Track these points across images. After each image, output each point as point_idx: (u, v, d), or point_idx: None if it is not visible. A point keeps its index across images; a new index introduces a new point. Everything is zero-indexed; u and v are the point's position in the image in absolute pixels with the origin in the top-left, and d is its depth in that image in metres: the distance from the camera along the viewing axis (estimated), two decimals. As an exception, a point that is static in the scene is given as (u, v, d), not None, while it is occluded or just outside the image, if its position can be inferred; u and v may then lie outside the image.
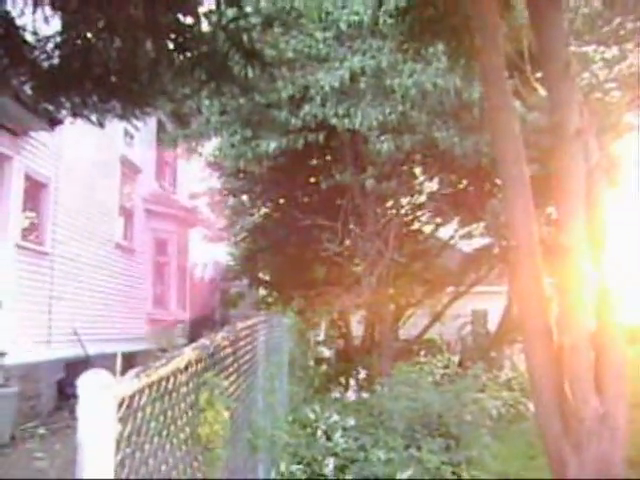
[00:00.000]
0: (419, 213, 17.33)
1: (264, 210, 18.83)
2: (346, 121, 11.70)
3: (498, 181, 10.35)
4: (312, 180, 16.46)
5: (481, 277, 17.50)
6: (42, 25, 6.23)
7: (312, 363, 13.49)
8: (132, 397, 2.13)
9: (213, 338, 3.70)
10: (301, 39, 11.97)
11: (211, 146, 16.30)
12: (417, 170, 16.11)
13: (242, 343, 4.96)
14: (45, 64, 6.59)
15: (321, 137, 12.35)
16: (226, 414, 3.44)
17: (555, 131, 4.61)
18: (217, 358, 3.68)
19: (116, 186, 15.61)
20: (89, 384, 1.82)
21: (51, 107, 8.08)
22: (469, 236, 17.01)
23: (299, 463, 7.47)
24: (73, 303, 12.61)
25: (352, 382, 13.22)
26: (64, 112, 7.74)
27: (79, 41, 6.49)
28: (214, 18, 6.80)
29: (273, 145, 12.34)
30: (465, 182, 15.39)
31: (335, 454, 7.95)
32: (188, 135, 14.83)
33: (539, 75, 5.41)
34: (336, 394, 12.66)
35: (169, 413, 2.71)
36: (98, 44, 6.39)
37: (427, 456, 7.85)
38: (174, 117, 16.83)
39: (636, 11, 10.71)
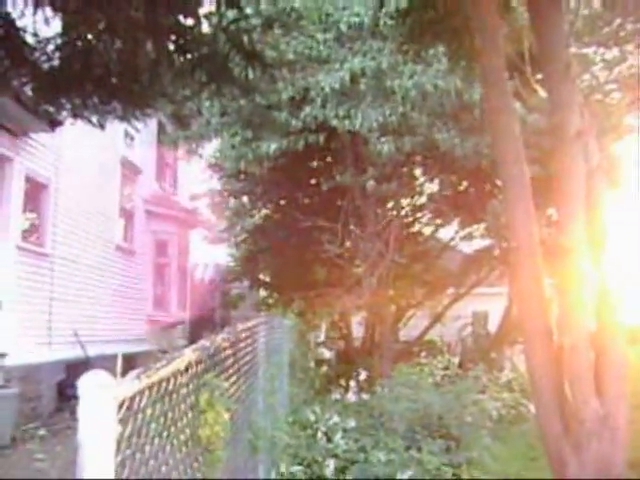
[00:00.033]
0: (419, 214, 17.30)
1: (265, 211, 18.81)
2: (346, 122, 11.70)
3: (498, 182, 10.34)
4: (312, 181, 16.45)
5: (481, 278, 17.49)
6: (43, 26, 6.23)
7: (312, 364, 13.48)
8: (132, 398, 2.13)
9: (213, 339, 3.70)
10: (301, 40, 11.98)
11: (212, 147, 16.33)
12: (417, 171, 16.11)
13: (242, 344, 4.97)
14: (46, 65, 6.60)
15: (321, 138, 12.35)
16: (226, 415, 3.44)
17: (555, 132, 4.62)
18: (217, 359, 3.68)
19: (116, 187, 15.62)
20: (90, 385, 1.83)
21: (51, 108, 8.09)
22: (470, 237, 17.00)
23: (299, 464, 7.46)
24: (73, 304, 12.62)
25: (352, 383, 13.21)
26: (64, 113, 7.75)
27: (80, 42, 6.49)
28: (214, 20, 6.80)
29: (273, 146, 12.34)
30: (465, 183, 15.39)
31: (335, 455, 7.95)
32: (188, 136, 14.84)
33: (539, 77, 5.42)
34: (336, 395, 12.65)
35: (169, 414, 2.71)
36: (99, 45, 6.40)
37: (427, 457, 7.84)
38: (174, 118, 16.83)
39: (636, 13, 10.71)
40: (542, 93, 5.52)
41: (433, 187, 16.36)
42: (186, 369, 2.92)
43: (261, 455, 5.84)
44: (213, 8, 6.58)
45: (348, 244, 15.79)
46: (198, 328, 19.11)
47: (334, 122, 11.81)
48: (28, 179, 11.25)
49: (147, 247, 17.64)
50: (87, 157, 13.40)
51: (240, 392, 4.63)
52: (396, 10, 9.49)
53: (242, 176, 16.42)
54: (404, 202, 16.17)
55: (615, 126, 11.35)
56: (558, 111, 4.60)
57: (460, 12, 5.77)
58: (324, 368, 14.86)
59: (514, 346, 15.78)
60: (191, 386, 3.06)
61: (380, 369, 13.91)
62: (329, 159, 15.74)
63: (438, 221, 17.17)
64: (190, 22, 6.50)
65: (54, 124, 10.38)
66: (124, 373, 2.11)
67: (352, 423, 9.35)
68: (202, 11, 6.49)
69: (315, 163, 16.24)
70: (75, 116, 7.47)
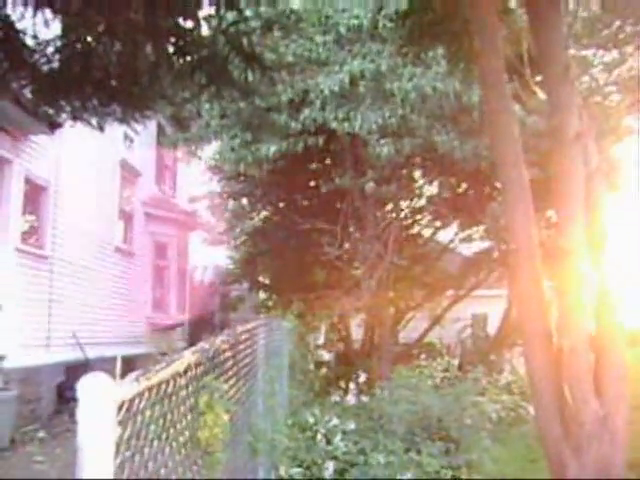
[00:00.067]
0: (419, 217, 17.30)
1: (264, 213, 18.82)
2: (346, 125, 11.71)
3: (498, 184, 10.36)
4: (312, 184, 16.46)
5: (481, 280, 17.48)
6: (42, 29, 6.24)
7: (312, 366, 13.47)
8: (132, 400, 2.13)
9: (213, 341, 3.70)
10: (301, 43, 11.99)
11: (211, 150, 16.33)
12: (417, 174, 16.11)
13: (242, 346, 4.96)
14: (45, 68, 6.60)
15: (321, 141, 12.36)
16: (226, 417, 3.44)
17: (554, 135, 4.62)
18: (217, 361, 3.68)
19: (116, 189, 15.62)
20: (89, 387, 1.82)
21: (51, 111, 8.09)
22: (469, 239, 17.00)
23: (299, 466, 7.46)
24: (73, 306, 12.61)
25: (352, 386, 13.22)
26: (64, 116, 7.76)
27: (79, 45, 6.50)
28: (214, 22, 6.82)
29: (273, 149, 12.34)
30: (465, 185, 15.40)
31: (335, 458, 7.94)
32: (188, 139, 14.85)
33: (539, 79, 5.43)
34: (336, 398, 12.66)
35: (169, 416, 2.71)
36: (98, 48, 6.41)
37: (427, 459, 7.85)
38: (174, 121, 16.85)
39: (635, 15, 10.73)
40: (541, 95, 5.53)
41: (432, 189, 16.36)
42: (185, 371, 2.92)
43: (261, 457, 5.84)
44: (212, 10, 6.59)
45: (347, 246, 15.79)
46: (197, 330, 19.11)
47: (333, 124, 11.82)
48: (28, 181, 11.25)
49: (146, 249, 17.64)
50: (86, 159, 13.41)
51: (240, 394, 4.63)
52: (395, 12, 9.49)
53: (241, 178, 16.43)
54: (403, 204, 16.17)
55: (614, 128, 11.36)
56: (557, 113, 4.60)
57: (459, 14, 5.78)
58: (323, 370, 14.85)
59: (513, 348, 15.80)
60: (190, 388, 3.06)
61: (379, 371, 13.91)
62: (328, 161, 15.75)
63: (437, 223, 17.18)
64: (189, 24, 6.50)
65: (53, 126, 10.38)
66: (123, 375, 2.11)
67: (351, 425, 9.34)
68: (201, 13, 6.49)
69: (314, 165, 16.23)
70: (75, 118, 7.47)
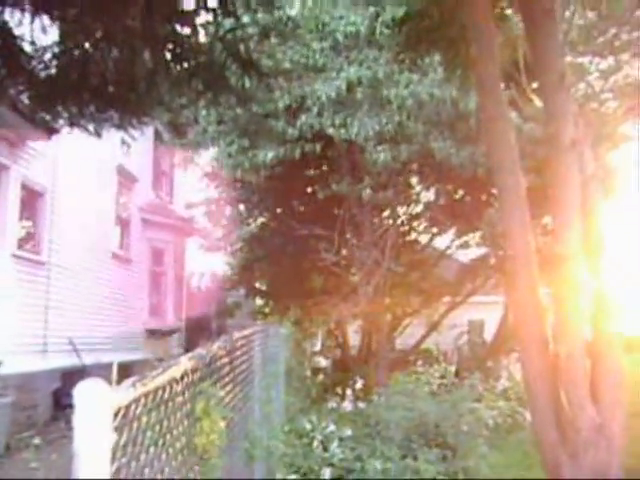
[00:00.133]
0: (416, 223, 17.33)
1: (261, 220, 18.82)
2: (343, 131, 11.74)
3: (494, 191, 10.37)
4: (309, 190, 16.47)
5: (478, 287, 17.50)
6: (40, 35, 6.25)
7: (309, 373, 13.46)
8: (128, 406, 2.13)
9: (209, 348, 3.70)
10: (298, 49, 12.01)
11: (208, 156, 16.33)
12: (414, 180, 16.14)
13: (238, 353, 4.96)
14: (43, 74, 6.61)
15: (318, 147, 12.39)
16: (222, 424, 3.43)
17: (550, 142, 4.64)
18: (213, 368, 3.68)
19: (113, 195, 15.62)
20: (85, 393, 1.82)
21: (48, 116, 8.09)
22: (466, 246, 17.02)
23: (295, 473, 7.45)
24: (69, 312, 12.60)
25: (349, 392, 13.18)
26: (61, 122, 7.76)
27: (77, 51, 6.51)
28: (211, 29, 6.83)
29: (270, 155, 12.36)
30: (461, 192, 15.43)
31: (331, 464, 7.93)
32: (185, 145, 14.85)
33: (535, 86, 5.45)
34: (333, 404, 12.62)
35: (165, 423, 2.71)
36: (96, 54, 6.41)
37: (424, 466, 7.83)
38: (171, 127, 16.83)
39: (631, 22, 10.77)
40: (538, 102, 5.55)
41: (429, 196, 16.40)
42: (182, 377, 2.92)
43: (257, 464, 5.83)
44: (210, 17, 6.60)
45: (344, 252, 15.80)
46: (194, 336, 19.08)
47: (330, 131, 11.85)
48: (24, 187, 11.24)
49: (143, 255, 17.62)
50: (83, 165, 13.41)
51: (236, 400, 4.63)
52: (392, 19, 9.55)
53: (239, 184, 16.44)
54: (400, 211, 16.20)
55: (610, 135, 11.39)
56: (553, 121, 4.62)
57: (456, 21, 5.80)
58: (320, 377, 14.83)
59: (510, 355, 15.77)
60: (187, 394, 3.05)
61: (376, 378, 13.90)
62: (325, 168, 15.77)
63: (434, 230, 17.20)
64: (187, 31, 6.52)
65: (51, 132, 10.38)
66: (120, 381, 2.11)
67: (348, 432, 9.33)
68: (199, 20, 6.51)
69: (311, 172, 16.25)
70: (72, 124, 7.48)
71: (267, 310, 19.93)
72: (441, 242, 17.92)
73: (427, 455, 8.21)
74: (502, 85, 5.00)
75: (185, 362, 2.98)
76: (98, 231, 14.53)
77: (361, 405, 12.29)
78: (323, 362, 16.63)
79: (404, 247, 16.66)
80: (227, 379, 4.21)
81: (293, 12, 11.94)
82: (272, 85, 11.14)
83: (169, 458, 2.78)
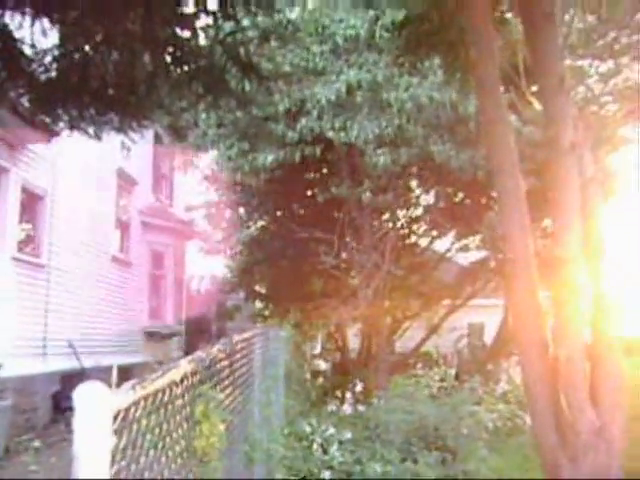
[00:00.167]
0: (415, 226, 17.33)
1: (261, 223, 18.81)
2: (342, 134, 11.74)
3: (494, 194, 10.38)
4: (309, 193, 16.47)
5: (477, 290, 17.49)
6: (40, 38, 6.25)
7: (308, 376, 13.46)
8: (128, 409, 2.13)
9: (209, 351, 3.70)
10: (298, 53, 12.03)
11: (208, 159, 16.35)
12: (413, 183, 16.14)
13: (238, 356, 4.96)
14: (43, 77, 6.61)
15: (318, 150, 12.39)
16: (222, 427, 3.43)
17: (550, 145, 4.64)
18: (213, 370, 3.68)
19: (112, 198, 15.61)
20: (85, 396, 1.82)
21: (48, 119, 8.09)
22: (465, 249, 17.02)
23: (295, 476, 7.44)
24: (69, 315, 12.59)
25: (348, 395, 13.20)
26: (61, 124, 7.76)
27: (77, 54, 6.51)
28: (211, 32, 6.83)
29: (270, 158, 12.37)
30: (461, 195, 15.43)
31: (331, 467, 7.93)
32: (185, 148, 14.86)
33: (534, 89, 5.45)
34: (332, 407, 12.63)
35: (165, 426, 2.70)
36: (96, 57, 6.42)
37: (423, 469, 7.83)
38: (171, 130, 16.83)
39: (631, 26, 10.79)
40: (537, 105, 5.56)
41: (429, 199, 16.40)
42: (181, 380, 2.91)
43: (257, 467, 5.82)
44: (210, 20, 6.61)
45: (344, 255, 15.80)
46: (194, 339, 19.07)
47: (330, 134, 11.85)
48: (24, 190, 11.25)
49: (143, 258, 17.62)
50: (83, 168, 13.41)
51: (236, 404, 4.62)
52: (392, 23, 9.57)
53: (238, 187, 16.44)
54: (400, 214, 16.20)
55: (610, 138, 11.40)
56: (552, 124, 4.62)
57: (455, 25, 5.81)
58: (320, 380, 14.83)
59: (510, 358, 15.76)
60: (187, 397, 3.05)
61: (376, 381, 13.89)
62: (325, 171, 15.77)
63: (434, 233, 17.20)
64: (187, 34, 6.53)
65: (51, 135, 10.38)
66: (120, 384, 2.11)
67: (348, 435, 9.33)
68: (199, 23, 6.52)
69: (311, 175, 16.26)
70: (72, 127, 7.48)
71: (267, 313, 19.92)
72: (441, 245, 17.91)
73: (427, 458, 8.21)
74: (502, 88, 5.01)
75: (185, 365, 2.98)
76: (98, 234, 14.53)
77: (361, 408, 12.29)
78: (323, 365, 16.64)
79: (404, 250, 16.64)
80: (227, 382, 4.20)
81: (293, 15, 11.96)
82: (272, 88, 11.15)
83: (169, 461, 2.77)
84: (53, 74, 6.60)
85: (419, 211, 16.75)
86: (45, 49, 6.54)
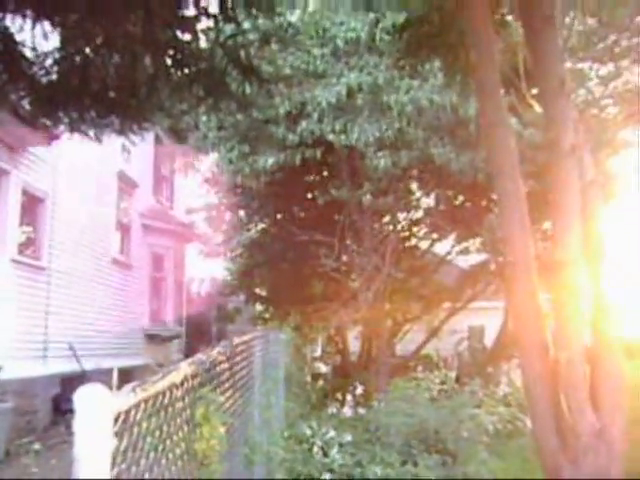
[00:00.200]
0: (416, 229, 17.33)
1: (261, 225, 18.82)
2: (343, 137, 11.75)
3: (494, 197, 10.38)
4: (309, 196, 16.49)
5: (478, 293, 17.49)
6: (41, 41, 6.26)
7: (309, 379, 13.46)
8: (128, 412, 2.13)
9: (209, 353, 3.70)
10: (298, 55, 12.05)
11: (209, 161, 16.36)
12: (414, 186, 16.15)
13: (238, 358, 4.96)
14: (44, 79, 6.61)
15: (318, 153, 12.40)
16: (222, 429, 3.43)
17: (551, 147, 4.64)
18: (213, 373, 3.68)
19: (113, 201, 15.62)
20: (85, 398, 1.82)
21: (49, 122, 8.10)
22: (466, 252, 17.02)
23: (295, 479, 7.43)
24: (69, 318, 12.58)
25: (349, 398, 13.19)
26: (62, 127, 7.76)
27: (78, 57, 6.51)
28: (212, 35, 6.84)
29: (270, 161, 12.38)
30: (461, 198, 15.44)
31: (331, 470, 7.92)
32: (186, 150, 14.87)
33: (535, 92, 5.46)
34: (333, 410, 12.62)
35: (165, 428, 2.71)
36: (96, 60, 6.42)
37: (423, 472, 7.83)
38: (172, 132, 16.85)
39: (631, 29, 10.81)
40: (537, 108, 5.56)
41: (429, 201, 16.41)
42: (182, 383, 2.92)
43: (257, 469, 5.82)
44: (211, 23, 6.62)
45: (344, 258, 15.80)
46: (194, 342, 19.06)
47: (331, 137, 11.86)
48: (25, 192, 11.25)
49: (143, 261, 17.62)
50: (84, 171, 13.42)
51: (236, 406, 4.62)
52: (392, 25, 9.58)
53: (239, 190, 16.45)
54: (400, 216, 16.21)
55: (610, 140, 11.41)
56: (553, 127, 4.63)
57: (455, 27, 5.82)
58: (320, 382, 14.83)
59: (511, 360, 15.75)
60: (187, 400, 3.05)
61: (376, 383, 13.89)
62: (326, 173, 15.78)
63: (434, 235, 17.20)
64: (188, 37, 6.53)
65: (51, 138, 10.39)
66: (120, 386, 2.11)
67: (348, 437, 9.32)
68: (200, 26, 6.53)
69: (312, 177, 16.28)
70: (72, 130, 7.48)
71: (267, 316, 19.92)
72: (441, 248, 17.92)
73: (427, 461, 8.21)
74: (502, 91, 5.01)
75: (185, 368, 2.98)
76: (98, 237, 14.53)
77: (361, 411, 12.28)
78: (323, 368, 16.63)
79: (404, 253, 16.65)
80: (227, 385, 4.21)
81: (294, 18, 11.98)
82: (272, 91, 11.17)
83: (169, 463, 2.77)
84: (54, 77, 6.60)
85: (419, 214, 16.76)
86: (46, 52, 6.54)
